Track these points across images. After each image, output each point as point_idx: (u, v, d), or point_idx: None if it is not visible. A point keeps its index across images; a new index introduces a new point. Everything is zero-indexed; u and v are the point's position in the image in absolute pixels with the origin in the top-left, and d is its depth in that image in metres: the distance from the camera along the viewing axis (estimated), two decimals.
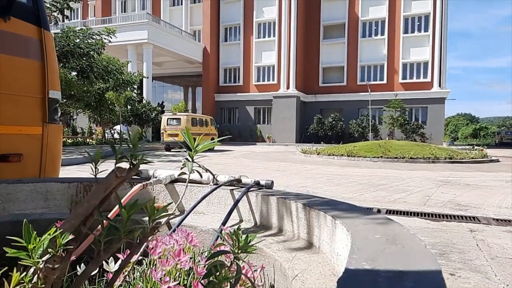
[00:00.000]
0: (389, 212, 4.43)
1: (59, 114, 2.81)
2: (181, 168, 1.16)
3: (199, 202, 1.56)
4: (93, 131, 29.48)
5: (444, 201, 5.24)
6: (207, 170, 1.46)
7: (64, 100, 17.04)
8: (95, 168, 0.81)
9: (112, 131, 26.62)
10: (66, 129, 30.93)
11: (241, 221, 1.56)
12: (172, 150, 18.78)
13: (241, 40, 32.70)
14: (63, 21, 20.90)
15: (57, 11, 12.68)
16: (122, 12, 35.63)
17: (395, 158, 12.86)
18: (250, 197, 1.55)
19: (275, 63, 31.41)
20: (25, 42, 2.48)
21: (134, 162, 0.75)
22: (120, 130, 22.88)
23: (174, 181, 1.80)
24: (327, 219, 1.12)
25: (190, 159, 1.10)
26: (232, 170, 9.26)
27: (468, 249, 3.00)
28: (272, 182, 1.72)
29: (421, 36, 29.48)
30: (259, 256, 1.20)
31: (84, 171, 8.72)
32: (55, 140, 2.75)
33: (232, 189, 1.63)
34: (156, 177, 1.78)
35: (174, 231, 1.22)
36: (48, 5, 12.29)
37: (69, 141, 18.85)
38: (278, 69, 31.21)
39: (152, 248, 0.97)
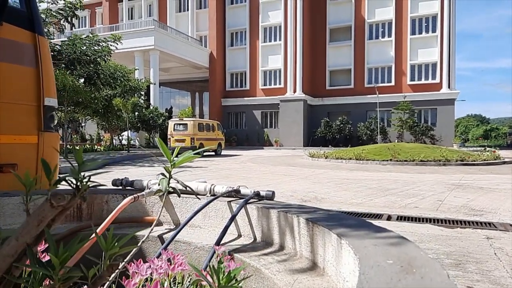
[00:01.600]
0: (400, 218, 4.26)
1: (56, 121, 2.73)
2: (159, 184, 1.04)
3: (194, 215, 1.44)
4: (101, 137, 29.66)
5: (458, 206, 5.05)
6: (186, 187, 1.34)
7: (72, 107, 17.11)
8: (26, 198, 0.68)
9: (120, 138, 26.77)
10: (75, 136, 31.18)
11: (239, 236, 1.44)
12: (179, 155, 18.73)
13: (247, 44, 32.71)
14: (71, 29, 21.13)
15: (63, 19, 12.76)
16: (129, 19, 35.95)
17: (405, 161, 12.62)
18: (249, 210, 1.43)
19: (282, 67, 31.33)
20: (18, 48, 2.40)
21: (81, 185, 0.62)
22: (128, 136, 22.95)
23: (169, 192, 1.69)
24: (332, 237, 0.99)
25: (166, 175, 0.99)
26: (238, 175, 9.14)
27: (485, 258, 2.83)
28: (273, 193, 1.60)
29: (429, 37, 29.14)
30: (257, 279, 1.08)
31: (91, 179, 8.68)
32: (51, 149, 2.66)
33: (230, 201, 1.51)
34: (149, 188, 1.67)
35: (163, 251, 1.10)
36: (54, 13, 12.39)
37: (77, 148, 18.93)
38: (285, 73, 31.11)
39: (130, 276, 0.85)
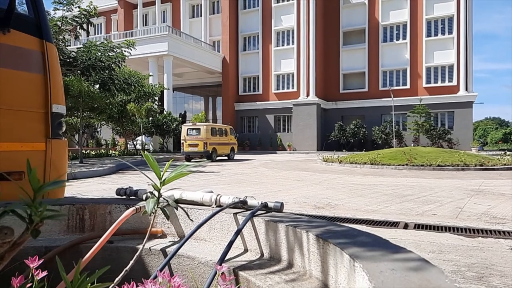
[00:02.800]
0: (418, 226, 4.10)
1: (64, 128, 2.70)
2: (146, 204, 0.96)
3: (198, 228, 1.37)
4: (116, 142, 30.07)
5: (478, 213, 4.84)
6: (177, 207, 1.27)
7: (88, 113, 17.38)
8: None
9: (134, 142, 27.07)
10: (91, 141, 31.70)
11: (246, 250, 1.36)
12: (192, 160, 18.81)
13: (260, 49, 32.75)
14: (88, 35, 21.55)
15: (79, 26, 12.99)
16: (143, 25, 36.48)
17: (422, 165, 12.32)
18: (256, 223, 1.35)
19: (295, 71, 31.22)
20: (26, 55, 2.39)
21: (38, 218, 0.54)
22: (142, 141, 23.18)
23: (174, 202, 1.62)
24: (344, 258, 0.90)
25: (155, 194, 0.91)
26: (250, 181, 9.06)
27: (510, 271, 2.66)
28: (282, 204, 1.51)
29: (445, 39, 28.60)
30: None
31: (104, 183, 8.73)
32: (59, 156, 2.63)
33: (236, 213, 1.43)
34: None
35: (158, 273, 1.03)
36: (69, 21, 12.62)
37: (93, 152, 19.20)
38: (298, 76, 30.99)
39: None
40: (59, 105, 2.59)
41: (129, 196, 1.74)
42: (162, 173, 0.87)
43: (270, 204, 1.50)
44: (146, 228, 1.55)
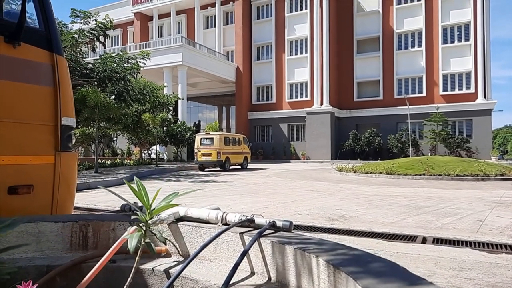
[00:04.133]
0: (437, 241, 3.93)
1: (74, 141, 2.69)
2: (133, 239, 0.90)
3: (203, 248, 1.30)
4: (131, 152, 30.43)
5: (501, 227, 4.63)
6: (165, 242, 1.20)
7: (104, 123, 17.64)
8: None
9: (149, 152, 27.33)
10: (107, 151, 32.19)
11: (252, 273, 1.28)
12: (205, 169, 18.83)
13: (273, 58, 32.86)
14: (105, 47, 22.02)
15: (95, 39, 13.26)
16: (158, 36, 37.12)
17: (439, 175, 11.99)
18: (263, 244, 1.27)
19: (308, 80, 31.14)
20: (36, 68, 2.40)
21: None
22: (156, 150, 23.38)
23: (179, 219, 1.56)
24: None
25: (142, 227, 0.85)
26: (263, 191, 8.97)
27: None
28: (291, 223, 1.43)
29: (461, 46, 28.10)
30: None
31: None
32: (68, 169, 2.62)
33: (243, 232, 1.36)
34: (158, 215, 1.55)
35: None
36: (86, 34, 12.91)
37: (108, 162, 19.44)
38: (311, 85, 30.89)
39: None
40: (68, 117, 2.58)
41: (133, 212, 1.68)
42: (150, 202, 0.81)
43: (279, 223, 1.42)
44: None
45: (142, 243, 0.90)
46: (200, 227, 1.48)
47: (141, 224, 0.84)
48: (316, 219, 5.24)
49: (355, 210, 5.99)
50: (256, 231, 1.34)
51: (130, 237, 0.85)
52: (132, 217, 0.87)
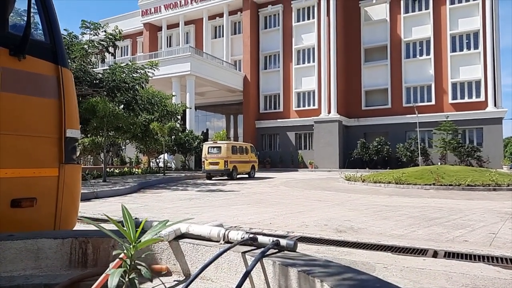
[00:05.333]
0: (448, 255, 3.82)
1: (78, 153, 2.68)
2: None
3: (204, 269, 1.25)
4: (140, 160, 30.58)
5: None
6: (151, 279, 1.15)
7: (113, 132, 17.78)
8: None
9: (157, 160, 27.43)
10: (116, 159, 32.40)
11: None
12: (213, 178, 18.80)
13: (281, 67, 32.95)
14: (115, 57, 22.34)
15: (104, 49, 13.45)
16: (167, 46, 37.56)
17: (450, 185, 11.77)
18: (266, 265, 1.22)
19: (316, 88, 31.12)
20: (40, 80, 2.40)
21: None
22: (164, 159, 23.46)
23: (180, 236, 1.51)
24: None
25: (126, 261, 0.81)
26: (270, 201, 8.89)
27: None
28: (295, 243, 1.37)
29: (470, 54, 27.87)
30: None
31: (124, 203, 8.78)
32: (72, 181, 2.60)
33: (246, 252, 1.31)
34: (160, 231, 1.51)
35: None
36: (96, 44, 13.10)
37: (117, 171, 19.54)
38: (319, 94, 30.85)
39: None
40: (73, 129, 2.57)
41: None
42: (136, 232, 0.77)
43: (283, 242, 1.37)
44: (150, 264, 1.45)
45: (126, 279, 0.86)
46: (202, 245, 1.44)
47: (125, 258, 0.79)
48: (324, 230, 5.15)
49: (363, 221, 5.88)
50: (259, 251, 1.29)
51: (112, 273, 0.81)
52: (114, 252, 0.83)
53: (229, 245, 1.37)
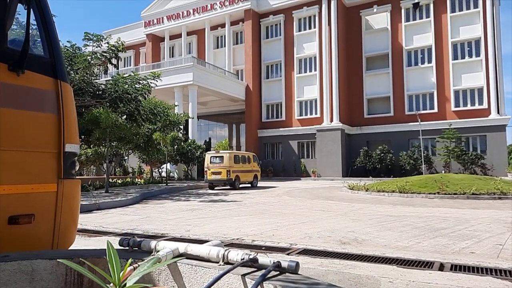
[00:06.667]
0: (455, 268, 3.73)
1: (77, 168, 2.65)
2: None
3: None
4: (142, 170, 30.58)
5: None
6: None
7: (116, 143, 17.80)
8: None
9: (160, 170, 27.42)
10: (118, 169, 32.42)
11: None
12: (215, 188, 18.73)
13: (283, 76, 33.07)
14: (118, 68, 22.49)
15: (107, 61, 13.54)
16: (170, 56, 37.84)
17: (454, 194, 11.65)
18: None
19: (318, 97, 31.16)
20: (39, 95, 2.38)
21: None
22: (167, 169, 23.44)
23: (178, 256, 1.47)
24: None
25: None
26: (273, 211, 8.81)
27: None
28: (297, 264, 1.32)
29: (472, 62, 27.89)
30: None
31: (126, 214, 8.74)
32: (71, 196, 2.57)
33: (245, 274, 1.26)
34: (158, 251, 1.47)
35: None
36: (99, 56, 13.19)
37: (119, 181, 19.52)
38: (321, 102, 30.87)
39: None
40: (72, 144, 2.55)
41: (132, 248, 1.61)
42: (121, 274, 0.73)
43: (284, 264, 1.32)
44: (147, 287, 1.40)
45: None
46: (200, 267, 1.39)
47: None
48: (327, 242, 5.07)
49: (367, 232, 5.80)
50: (259, 273, 1.24)
51: None
52: None
53: (228, 267, 1.32)
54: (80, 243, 5.09)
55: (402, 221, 6.92)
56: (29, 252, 1.65)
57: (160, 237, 5.53)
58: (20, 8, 2.32)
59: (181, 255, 1.47)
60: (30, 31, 2.25)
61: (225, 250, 1.42)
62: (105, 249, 1.22)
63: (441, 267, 3.75)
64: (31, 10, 2.31)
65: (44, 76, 2.40)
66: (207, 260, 1.44)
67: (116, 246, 1.56)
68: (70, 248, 2.68)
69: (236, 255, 1.39)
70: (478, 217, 7.38)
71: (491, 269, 3.68)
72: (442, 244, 4.89)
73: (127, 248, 1.62)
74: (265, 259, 1.36)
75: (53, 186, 2.42)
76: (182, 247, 1.48)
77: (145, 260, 1.34)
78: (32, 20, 2.39)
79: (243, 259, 1.35)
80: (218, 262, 1.40)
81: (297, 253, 4.38)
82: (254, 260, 1.34)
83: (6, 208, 2.19)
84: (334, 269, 3.71)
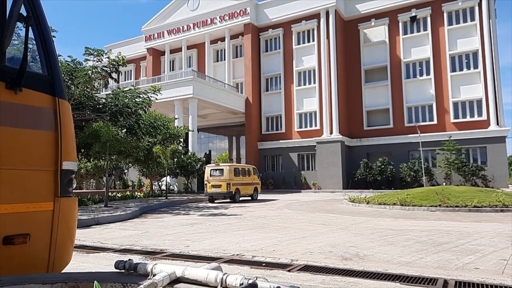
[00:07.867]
0: (459, 285, 3.66)
1: (74, 185, 2.62)
2: None
3: None
4: (142, 183, 30.45)
5: None
6: None
7: (116, 156, 17.76)
8: None
9: (160, 183, 27.30)
10: (118, 183, 32.30)
11: None
12: (215, 201, 18.61)
13: (282, 89, 33.24)
14: (118, 82, 22.61)
15: (108, 75, 13.62)
16: (170, 70, 38.12)
17: (456, 206, 11.55)
18: None
19: (317, 109, 31.25)
20: (37, 113, 2.37)
21: None
22: (167, 182, 23.34)
23: (175, 281, 1.43)
24: None
25: None
26: (273, 225, 8.72)
27: None
28: None
29: (470, 74, 28.07)
30: None
31: (125, 229, 8.64)
32: (68, 214, 2.53)
33: None
34: (153, 276, 1.42)
35: None
36: (99, 70, 13.27)
37: (119, 195, 19.40)
38: (320, 114, 30.95)
39: None
40: (69, 161, 2.52)
41: (128, 271, 1.56)
42: None
43: None
44: None
45: None
46: None
47: None
48: (329, 258, 5.00)
49: (369, 247, 5.71)
50: None
51: None
52: None
53: None
54: (77, 259, 5.01)
55: (404, 235, 6.84)
56: (22, 276, 1.60)
57: (158, 253, 5.45)
58: (19, 25, 2.32)
59: (178, 279, 1.43)
60: (29, 48, 2.24)
61: (224, 274, 1.37)
62: (99, 273, 1.18)
63: (445, 284, 3.68)
64: (30, 28, 2.31)
65: (42, 93, 2.39)
66: (205, 285, 1.39)
67: (112, 268, 1.52)
68: (68, 265, 2.63)
69: (234, 279, 1.35)
70: (481, 231, 7.30)
71: (496, 286, 3.61)
72: (446, 259, 4.81)
73: (123, 271, 1.58)
74: (264, 283, 1.31)
75: (49, 204, 2.38)
76: (179, 270, 1.43)
77: (141, 286, 1.29)
78: (31, 38, 2.39)
79: (242, 284, 1.30)
80: (216, 287, 1.36)
81: (298, 270, 4.30)
82: (254, 285, 1.30)
83: (0, 228, 2.15)
84: (336, 286, 3.64)
